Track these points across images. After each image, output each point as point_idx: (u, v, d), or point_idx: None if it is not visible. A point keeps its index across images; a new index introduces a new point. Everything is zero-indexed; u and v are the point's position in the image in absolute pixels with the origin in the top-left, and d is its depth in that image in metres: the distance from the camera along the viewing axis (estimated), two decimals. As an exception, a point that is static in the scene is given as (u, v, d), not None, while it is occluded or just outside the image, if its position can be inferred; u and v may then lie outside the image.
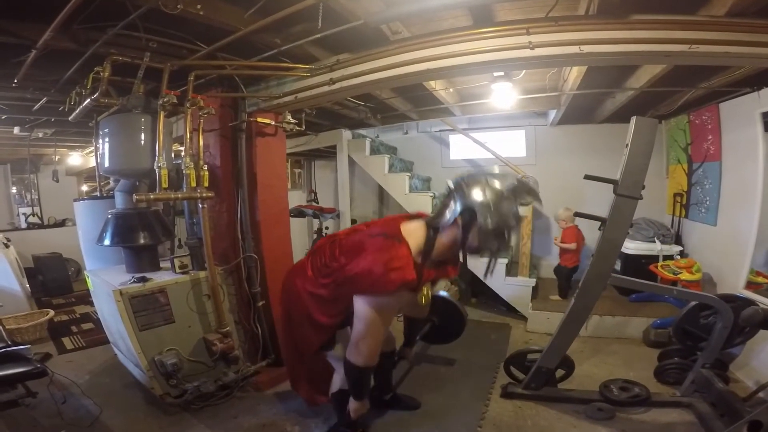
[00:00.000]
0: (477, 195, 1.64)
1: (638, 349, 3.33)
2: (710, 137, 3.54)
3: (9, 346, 2.24)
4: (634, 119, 2.27)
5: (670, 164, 4.37)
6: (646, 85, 2.91)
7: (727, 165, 3.37)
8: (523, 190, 1.69)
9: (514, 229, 1.67)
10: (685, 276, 3.37)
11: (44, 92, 2.96)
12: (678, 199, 4.13)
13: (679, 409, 2.40)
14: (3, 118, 3.72)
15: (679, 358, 2.73)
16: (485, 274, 1.88)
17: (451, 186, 1.76)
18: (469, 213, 1.65)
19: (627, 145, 2.29)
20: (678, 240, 4.07)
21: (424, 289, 1.88)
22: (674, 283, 3.31)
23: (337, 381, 2.17)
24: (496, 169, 1.85)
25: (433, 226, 1.79)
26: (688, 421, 2.32)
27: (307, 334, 2.08)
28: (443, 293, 2.96)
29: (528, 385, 2.62)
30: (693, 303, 2.54)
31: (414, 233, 1.78)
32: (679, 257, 3.77)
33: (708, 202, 3.63)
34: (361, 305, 1.76)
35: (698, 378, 2.40)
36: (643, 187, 2.28)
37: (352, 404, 2.02)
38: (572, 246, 4.03)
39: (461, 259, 1.89)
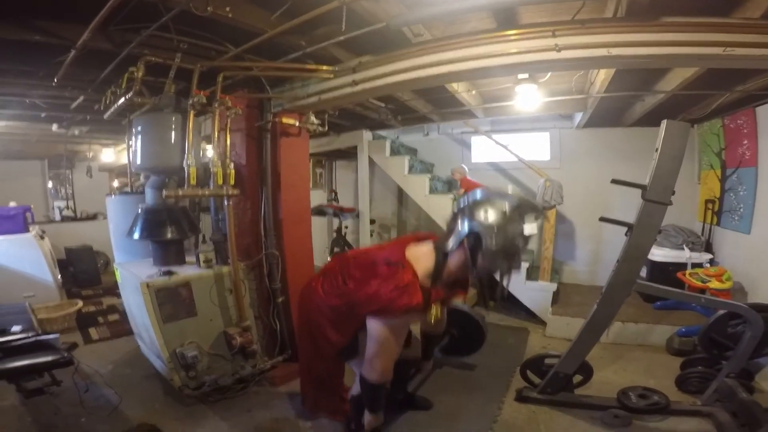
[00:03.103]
0: (481, 217, 1.66)
1: (661, 357, 3.24)
2: (746, 142, 3.41)
3: (39, 335, 2.33)
4: (664, 123, 2.20)
5: (703, 170, 4.21)
6: (677, 88, 2.82)
7: (764, 170, 3.23)
8: (526, 208, 1.69)
9: (521, 249, 1.68)
10: (714, 284, 3.26)
11: (81, 91, 3.10)
12: (710, 206, 3.98)
13: (698, 419, 2.35)
14: (43, 116, 3.92)
15: (703, 367, 2.65)
16: (500, 294, 1.94)
17: (455, 210, 1.80)
18: (474, 236, 1.66)
19: (657, 149, 2.22)
20: (708, 248, 3.93)
21: (435, 308, 1.86)
22: (702, 291, 3.20)
23: (357, 386, 2.20)
24: (508, 188, 1.87)
25: (441, 250, 1.80)
26: (706, 431, 2.26)
27: (322, 345, 2.13)
28: (464, 307, 2.91)
29: (544, 389, 2.59)
30: (721, 311, 2.46)
31: (422, 258, 1.80)
32: (708, 265, 3.64)
33: (742, 209, 3.49)
34: (372, 325, 1.82)
35: (721, 387, 2.34)
36: (673, 193, 2.22)
37: (367, 416, 2.04)
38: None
39: (473, 281, 1.94)
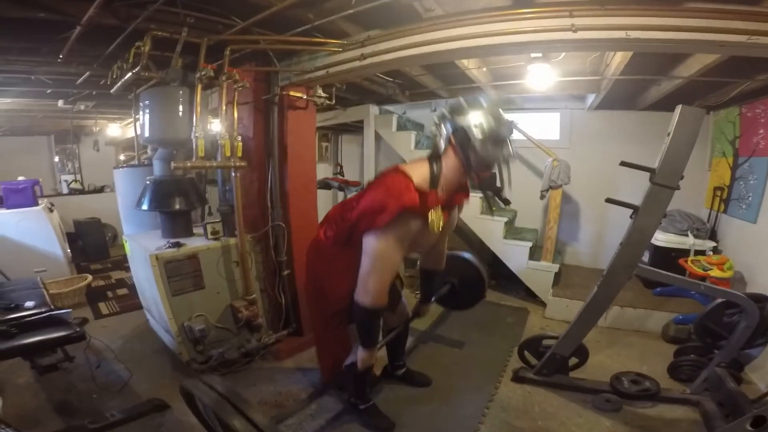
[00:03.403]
0: (461, 114, 1.73)
1: (655, 344, 3.28)
2: (762, 131, 3.33)
3: (51, 310, 2.37)
4: (679, 108, 2.16)
5: (714, 157, 4.14)
6: (696, 74, 2.73)
7: (778, 161, 3.17)
8: (502, 100, 1.77)
9: (508, 135, 1.74)
10: (715, 273, 3.26)
11: (87, 67, 3.06)
12: (718, 193, 3.94)
13: (686, 407, 2.40)
14: (48, 92, 3.88)
15: (696, 355, 2.69)
16: (503, 187, 1.88)
17: (436, 119, 1.84)
18: (460, 131, 1.71)
19: (669, 133, 2.19)
20: (713, 235, 3.92)
21: (435, 214, 1.75)
22: (703, 279, 3.21)
23: (352, 355, 2.26)
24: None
25: (434, 155, 1.83)
26: (692, 419, 2.31)
27: (333, 302, 2.12)
28: (466, 255, 2.82)
29: (540, 371, 2.65)
30: (719, 300, 2.47)
31: (416, 167, 1.81)
32: (711, 253, 3.64)
33: (750, 198, 3.45)
34: (367, 240, 1.77)
35: (711, 376, 2.38)
36: (682, 178, 2.20)
37: (360, 353, 2.02)
38: None
39: (476, 182, 1.90)
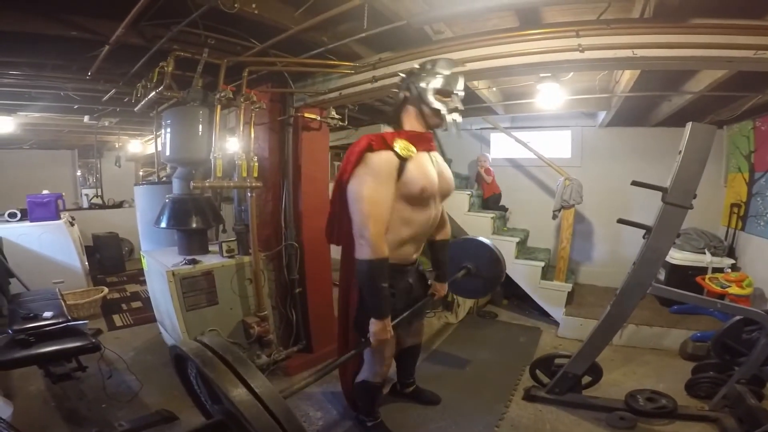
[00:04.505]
0: (416, 75, 1.90)
1: (673, 362, 3.19)
2: (777, 145, 3.30)
3: (69, 321, 2.42)
4: (689, 125, 2.16)
5: (730, 172, 4.09)
6: (706, 89, 2.74)
7: (795, 176, 3.13)
8: (451, 62, 1.92)
9: (453, 86, 1.85)
10: (734, 290, 3.19)
11: (113, 84, 3.22)
12: (735, 210, 3.87)
13: (704, 423, 2.32)
14: (75, 107, 4.06)
15: (715, 372, 2.61)
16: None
17: (398, 82, 2.02)
18: (413, 89, 1.88)
19: (680, 151, 2.18)
20: (731, 253, 3.83)
21: (401, 143, 1.80)
22: (721, 296, 3.14)
23: (364, 372, 2.24)
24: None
25: (395, 115, 2.00)
26: None
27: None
28: (483, 239, 2.79)
29: (552, 389, 2.59)
30: (738, 317, 2.41)
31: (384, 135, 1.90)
32: (729, 270, 3.55)
33: (768, 215, 3.39)
34: (349, 190, 1.78)
35: (731, 393, 2.31)
36: (695, 197, 2.18)
37: (372, 325, 1.78)
38: (489, 179, 5.01)
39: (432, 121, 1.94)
